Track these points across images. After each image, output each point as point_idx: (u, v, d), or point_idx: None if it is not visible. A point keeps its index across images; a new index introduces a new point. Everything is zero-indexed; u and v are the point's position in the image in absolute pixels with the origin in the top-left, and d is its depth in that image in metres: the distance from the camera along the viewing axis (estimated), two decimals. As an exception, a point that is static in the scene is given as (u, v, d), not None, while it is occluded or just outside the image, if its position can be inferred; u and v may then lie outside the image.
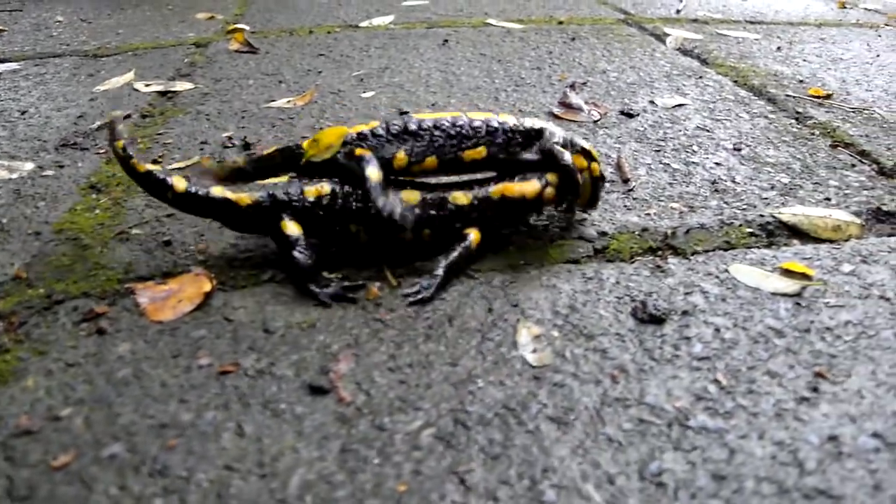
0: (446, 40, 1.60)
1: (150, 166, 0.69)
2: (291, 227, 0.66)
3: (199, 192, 0.68)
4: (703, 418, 0.51)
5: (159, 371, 0.56)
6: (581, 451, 0.48)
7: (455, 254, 0.67)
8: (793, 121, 1.14)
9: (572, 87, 1.19)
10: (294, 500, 0.44)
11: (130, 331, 0.61)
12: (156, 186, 0.69)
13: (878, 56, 1.58)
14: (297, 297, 0.65)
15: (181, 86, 1.26)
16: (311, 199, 0.68)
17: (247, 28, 1.73)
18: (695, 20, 1.92)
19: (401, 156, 0.70)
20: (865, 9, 2.23)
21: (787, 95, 1.26)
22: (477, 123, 0.72)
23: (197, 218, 0.77)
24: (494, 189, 0.71)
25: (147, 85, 1.25)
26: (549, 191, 0.72)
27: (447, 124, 0.72)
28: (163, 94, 1.23)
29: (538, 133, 0.74)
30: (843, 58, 1.56)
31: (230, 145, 0.98)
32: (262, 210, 0.67)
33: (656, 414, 0.51)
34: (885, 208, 0.85)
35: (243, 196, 0.67)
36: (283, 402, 0.52)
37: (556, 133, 0.75)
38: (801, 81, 1.35)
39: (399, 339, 0.59)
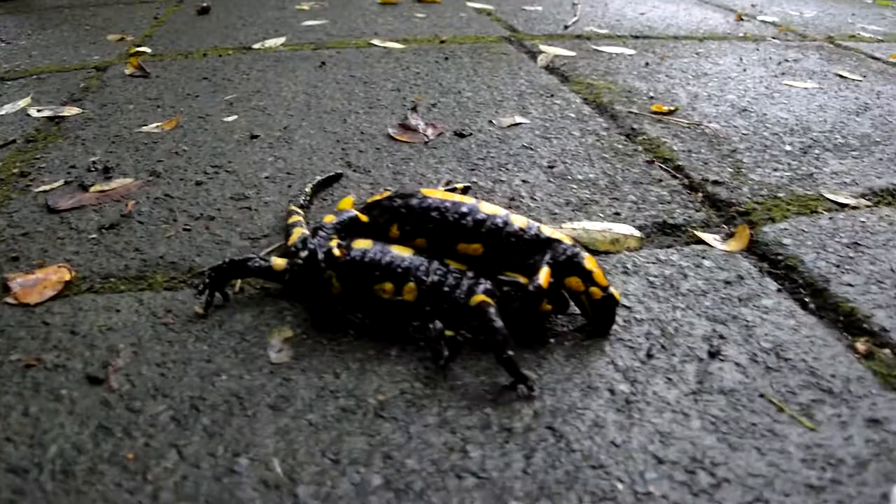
0: (324, 63, 1.70)
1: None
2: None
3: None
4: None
5: (-24, 368, 0.68)
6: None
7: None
8: (623, 137, 1.21)
9: (414, 108, 1.29)
10: (48, 462, 0.57)
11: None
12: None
13: (744, 70, 1.68)
14: (105, 305, 0.77)
15: (69, 111, 1.37)
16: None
17: (148, 51, 1.83)
18: (578, 36, 2.01)
19: (394, 230, 0.75)
20: (762, 21, 2.35)
21: (630, 112, 1.34)
22: (481, 217, 0.72)
23: (44, 235, 0.90)
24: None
25: (39, 110, 1.36)
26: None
27: (449, 209, 0.72)
28: (51, 118, 1.34)
29: (545, 243, 0.72)
30: (709, 72, 1.66)
31: (93, 169, 1.09)
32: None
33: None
34: (671, 221, 0.92)
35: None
36: (65, 388, 0.65)
37: (566, 248, 0.72)
38: (651, 97, 1.44)
39: (174, 339, 0.71)
